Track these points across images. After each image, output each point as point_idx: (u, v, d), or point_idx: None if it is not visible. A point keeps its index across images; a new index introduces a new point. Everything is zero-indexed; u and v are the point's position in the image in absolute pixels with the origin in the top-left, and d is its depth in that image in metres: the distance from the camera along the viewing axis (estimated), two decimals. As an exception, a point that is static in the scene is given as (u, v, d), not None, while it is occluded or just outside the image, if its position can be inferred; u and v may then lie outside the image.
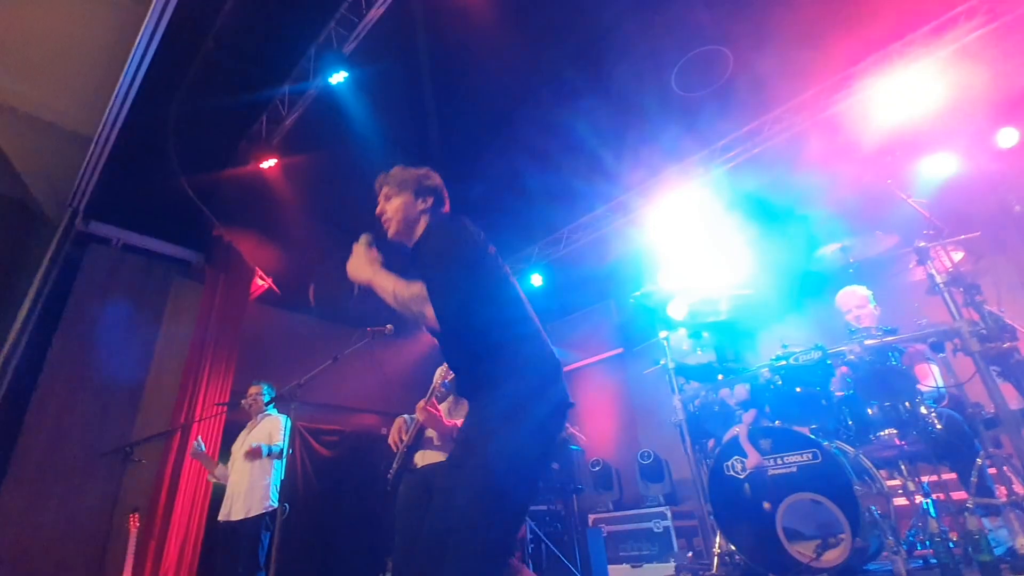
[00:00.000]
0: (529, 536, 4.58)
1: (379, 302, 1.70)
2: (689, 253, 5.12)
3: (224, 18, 4.23)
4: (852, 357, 2.90)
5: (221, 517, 3.72)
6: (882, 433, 2.81)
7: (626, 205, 6.20)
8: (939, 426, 2.76)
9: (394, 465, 3.01)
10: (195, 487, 4.65)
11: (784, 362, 3.01)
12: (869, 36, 4.53)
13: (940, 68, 4.50)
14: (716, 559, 3.05)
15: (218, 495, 4.01)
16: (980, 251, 2.99)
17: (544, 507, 4.99)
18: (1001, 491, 2.71)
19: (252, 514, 3.61)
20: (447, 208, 1.89)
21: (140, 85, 4.27)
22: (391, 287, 1.64)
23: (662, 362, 3.53)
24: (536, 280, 7.00)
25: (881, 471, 2.91)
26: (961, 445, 2.80)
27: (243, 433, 4.06)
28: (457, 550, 1.32)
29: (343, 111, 4.88)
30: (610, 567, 4.77)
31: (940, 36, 4.47)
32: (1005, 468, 2.69)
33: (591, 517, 5.16)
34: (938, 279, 2.69)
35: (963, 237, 2.81)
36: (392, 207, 1.81)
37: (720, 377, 3.35)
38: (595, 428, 6.83)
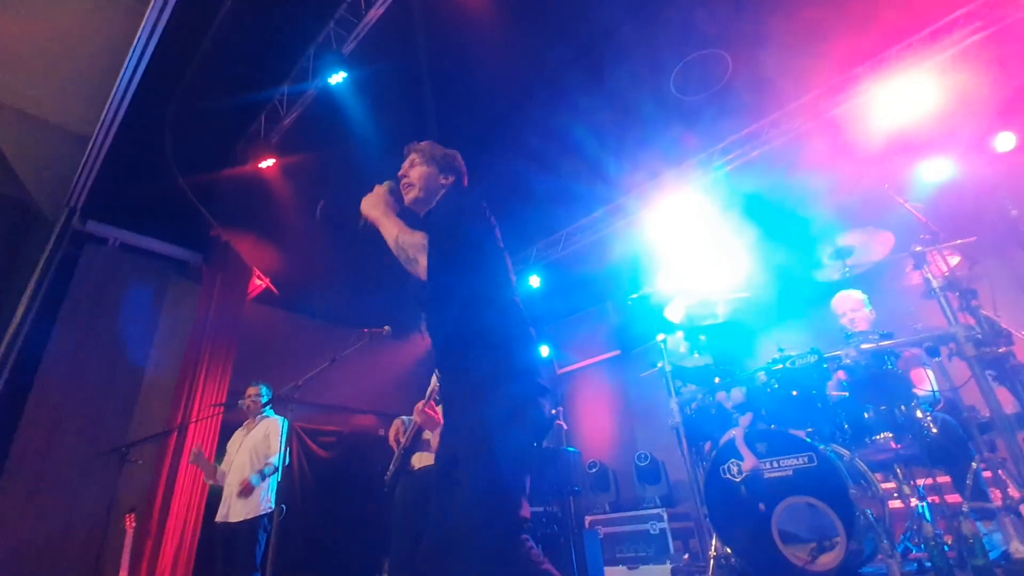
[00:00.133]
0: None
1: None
2: (687, 256, 5.13)
3: (223, 18, 4.22)
4: (848, 361, 2.91)
5: (219, 518, 3.72)
6: (878, 437, 2.82)
7: (625, 207, 6.21)
8: (934, 430, 2.77)
9: (391, 467, 3.01)
10: (191, 487, 4.65)
11: (780, 366, 3.02)
12: (866, 40, 4.54)
13: (938, 72, 4.51)
14: (712, 562, 3.05)
15: (214, 495, 4.01)
16: (976, 256, 2.99)
17: (541, 508, 5.00)
18: (996, 495, 2.72)
19: (250, 516, 3.61)
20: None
21: (138, 84, 4.27)
22: (395, 230, 1.70)
23: (659, 365, 3.53)
24: (534, 281, 7.01)
25: (876, 474, 2.91)
26: (956, 449, 2.81)
27: (239, 432, 4.06)
28: (465, 549, 1.33)
29: (342, 111, 4.87)
30: (606, 569, 4.78)
31: (937, 41, 4.48)
32: (1000, 472, 2.70)
33: (588, 519, 5.17)
34: (934, 284, 2.70)
35: (959, 242, 2.82)
36: (416, 173, 1.86)
37: (717, 380, 3.36)
38: (592, 430, 6.85)
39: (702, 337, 3.66)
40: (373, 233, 1.79)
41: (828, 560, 2.53)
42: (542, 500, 5.08)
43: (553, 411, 1.65)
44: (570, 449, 5.62)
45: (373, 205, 1.80)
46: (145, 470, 4.51)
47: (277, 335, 6.35)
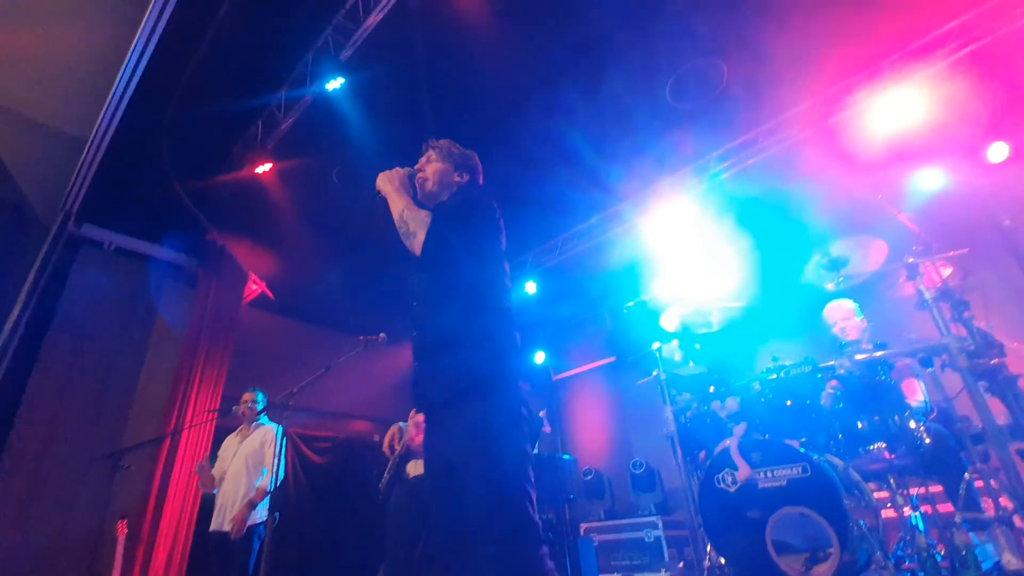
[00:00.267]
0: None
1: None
2: (683, 264, 5.15)
3: (220, 23, 4.23)
4: (842, 371, 2.93)
5: (213, 527, 3.66)
6: (872, 447, 2.84)
7: (621, 214, 6.23)
8: (928, 440, 2.78)
9: (385, 474, 3.00)
10: (184, 494, 4.62)
11: (775, 375, 3.03)
12: (861, 51, 4.58)
13: (931, 83, 4.55)
14: (706, 572, 3.05)
15: (207, 502, 3.98)
16: (969, 267, 3.02)
17: (536, 515, 4.98)
18: (988, 505, 2.73)
19: (247, 524, 3.57)
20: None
21: (135, 89, 4.26)
22: (401, 204, 1.74)
23: (655, 373, 3.54)
24: (530, 287, 7.02)
25: (870, 483, 2.93)
26: (949, 459, 2.82)
27: (233, 438, 4.01)
28: (478, 556, 1.33)
29: (339, 116, 4.88)
30: (601, 576, 4.78)
31: (931, 52, 4.52)
32: (992, 482, 2.71)
33: (583, 526, 5.17)
34: (927, 295, 2.72)
35: (952, 253, 2.84)
36: (431, 168, 1.91)
37: (712, 389, 3.37)
38: (588, 436, 6.85)
39: (697, 346, 3.67)
40: (383, 206, 1.83)
41: (822, 570, 2.54)
42: (538, 507, 5.07)
43: (540, 413, 1.67)
44: (565, 456, 5.61)
45: (388, 180, 1.84)
46: (138, 476, 4.48)
47: (272, 340, 6.34)
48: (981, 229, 4.26)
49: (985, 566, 2.43)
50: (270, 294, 6.26)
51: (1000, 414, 2.73)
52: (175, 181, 5.05)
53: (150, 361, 5.22)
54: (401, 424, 3.09)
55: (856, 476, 2.79)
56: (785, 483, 2.72)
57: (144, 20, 3.96)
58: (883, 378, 2.89)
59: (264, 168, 5.24)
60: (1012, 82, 4.49)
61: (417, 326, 1.72)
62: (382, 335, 3.33)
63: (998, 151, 4.58)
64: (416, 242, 1.66)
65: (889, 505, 2.95)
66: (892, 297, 3.23)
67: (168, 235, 5.62)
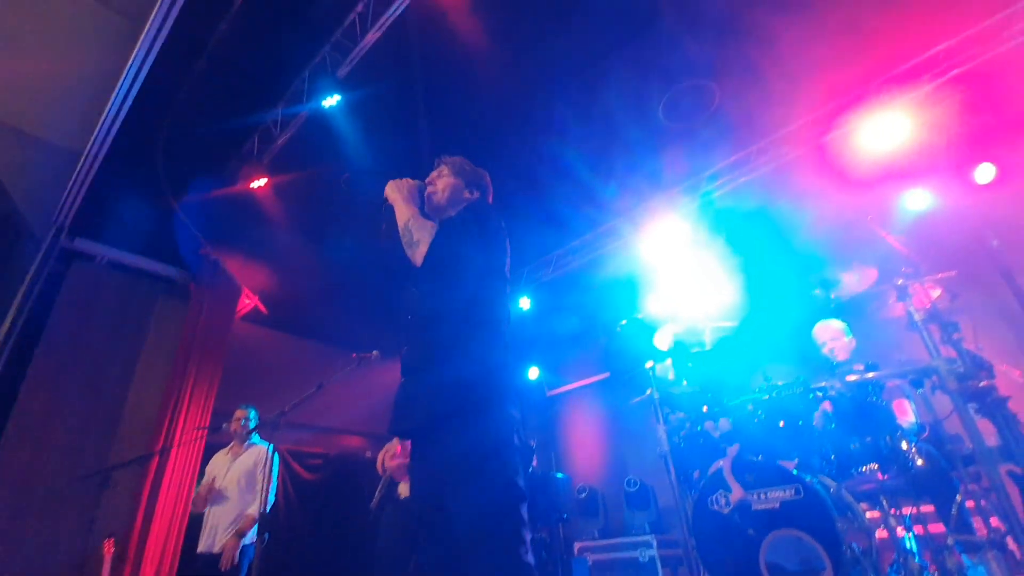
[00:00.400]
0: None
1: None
2: (676, 281, 5.18)
3: (219, 40, 4.26)
4: (833, 392, 2.94)
5: (202, 548, 3.57)
6: (864, 468, 2.84)
7: (614, 231, 6.27)
8: (920, 462, 2.79)
9: (377, 494, 2.97)
10: (171, 513, 4.54)
11: (767, 396, 3.04)
12: (849, 75, 4.67)
13: (919, 105, 4.64)
14: (700, 594, 3.03)
15: (195, 522, 3.91)
16: (957, 289, 3.05)
17: (529, 535, 4.94)
18: (980, 526, 2.74)
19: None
20: None
21: (132, 104, 4.28)
22: (409, 214, 1.74)
23: (648, 392, 3.54)
24: (524, 303, 7.03)
25: (862, 503, 2.93)
26: (940, 481, 2.83)
27: (223, 456, 3.92)
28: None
29: (336, 132, 4.91)
30: (595, 597, 4.73)
31: (918, 76, 4.62)
32: (983, 503, 2.72)
33: (577, 545, 5.12)
34: (916, 316, 2.75)
35: (940, 276, 2.87)
36: (442, 183, 1.90)
37: (705, 408, 3.37)
38: (582, 453, 6.81)
39: (690, 364, 3.68)
40: (389, 215, 1.82)
41: (815, 594, 2.53)
42: (531, 527, 5.02)
43: (531, 442, 1.65)
44: (559, 475, 5.57)
45: (397, 189, 1.84)
46: (126, 494, 4.42)
47: (264, 355, 6.29)
48: (970, 249, 4.31)
49: (977, 589, 2.43)
50: (263, 308, 6.24)
51: (990, 435, 2.75)
52: (170, 196, 5.05)
53: (140, 376, 5.16)
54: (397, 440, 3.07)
55: (849, 498, 2.79)
56: (778, 505, 2.71)
57: (142, 36, 3.99)
58: (874, 399, 2.91)
59: (259, 182, 5.26)
60: (997, 105, 4.58)
61: (408, 340, 1.66)
62: (375, 352, 3.31)
63: (985, 172, 4.66)
64: (418, 252, 1.64)
65: (881, 526, 2.96)
66: (882, 318, 3.26)
67: (161, 249, 5.60)
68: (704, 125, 5.08)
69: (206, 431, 4.54)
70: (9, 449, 4.18)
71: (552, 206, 5.74)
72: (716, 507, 2.91)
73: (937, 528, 2.99)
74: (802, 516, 2.63)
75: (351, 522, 5.72)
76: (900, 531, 2.92)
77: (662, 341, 3.90)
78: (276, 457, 3.25)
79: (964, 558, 2.58)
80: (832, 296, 3.29)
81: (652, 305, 4.94)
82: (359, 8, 4.21)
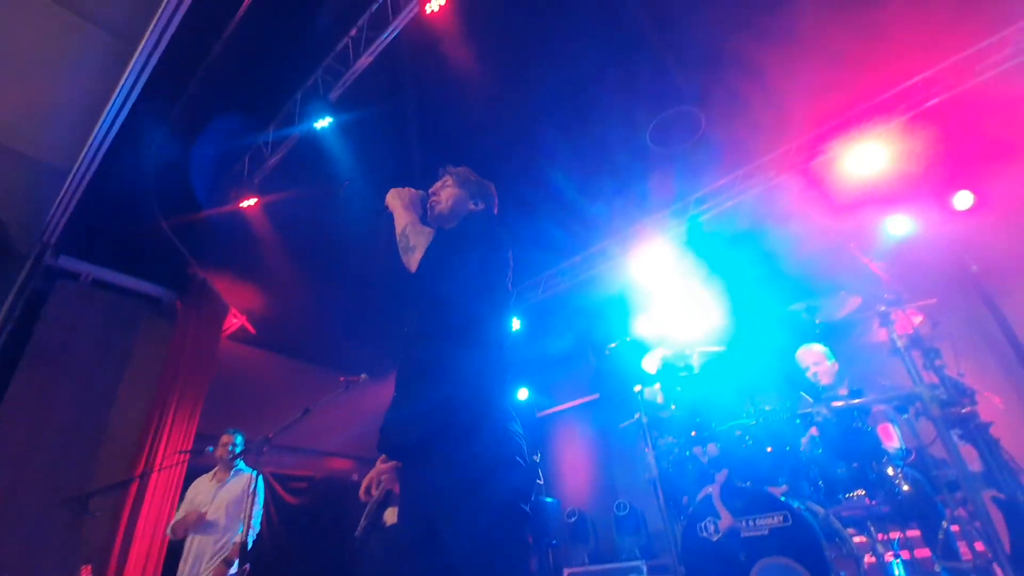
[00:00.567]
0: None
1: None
2: (665, 304, 5.22)
3: (211, 63, 4.30)
4: (820, 418, 2.96)
5: None
6: (851, 494, 2.85)
7: (604, 253, 6.33)
8: (905, 487, 2.81)
9: (362, 521, 2.92)
10: (151, 540, 4.42)
11: (754, 421, 3.05)
12: (831, 103, 4.80)
13: (897, 134, 4.77)
14: (690, 622, 3.00)
15: (173, 548, 3.80)
16: (938, 315, 3.11)
17: None
18: (965, 550, 2.75)
19: None
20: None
21: (122, 125, 4.28)
22: (406, 221, 1.69)
23: (636, 416, 3.54)
24: (515, 324, 7.03)
25: (849, 528, 2.93)
26: (927, 506, 2.85)
27: (207, 481, 3.82)
28: None
29: (327, 154, 4.94)
30: (584, 624, 4.65)
31: (896, 105, 4.76)
32: (969, 528, 2.74)
33: (566, 571, 5.04)
34: (899, 343, 2.79)
35: (921, 304, 2.93)
36: (446, 194, 1.85)
37: (693, 433, 3.37)
38: (571, 475, 6.75)
39: (679, 388, 3.69)
40: (389, 222, 1.78)
41: (804, 623, 2.51)
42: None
43: (535, 457, 1.57)
44: (548, 500, 5.52)
45: (398, 196, 1.79)
46: (104, 520, 4.29)
47: (250, 375, 6.20)
48: (950, 274, 4.41)
49: (965, 617, 2.43)
50: (251, 328, 6.18)
51: (974, 461, 2.78)
52: (159, 215, 5.03)
53: (123, 397, 5.07)
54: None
55: (837, 524, 2.79)
56: (767, 532, 2.71)
57: (135, 56, 4.01)
58: (860, 424, 2.93)
59: (249, 203, 5.25)
60: (972, 135, 4.72)
61: (402, 353, 1.56)
62: (363, 376, 3.28)
63: (963, 199, 4.78)
64: (413, 258, 1.59)
65: (869, 552, 2.96)
66: (866, 343, 3.30)
67: (147, 268, 5.55)
68: (691, 150, 5.18)
69: (188, 455, 4.43)
70: (-12, 472, 4.07)
71: (542, 228, 5.79)
72: (705, 534, 2.90)
73: (923, 553, 2.99)
74: (791, 543, 2.63)
75: (336, 549, 5.57)
76: (888, 556, 2.93)
77: (650, 364, 3.91)
78: (262, 485, 3.19)
79: (951, 585, 2.58)
80: (817, 320, 3.33)
81: (641, 327, 4.96)
82: (352, 32, 4.27)
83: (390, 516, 2.89)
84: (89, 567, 3.66)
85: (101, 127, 4.33)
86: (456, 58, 4.39)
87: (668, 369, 3.74)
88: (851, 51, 4.15)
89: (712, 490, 2.97)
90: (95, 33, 4.08)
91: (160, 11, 3.71)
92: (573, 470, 6.83)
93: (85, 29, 4.02)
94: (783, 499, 2.75)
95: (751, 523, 2.76)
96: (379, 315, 6.66)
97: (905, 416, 3.00)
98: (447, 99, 4.73)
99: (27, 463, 4.26)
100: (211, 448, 3.87)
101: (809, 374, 3.39)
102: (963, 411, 2.61)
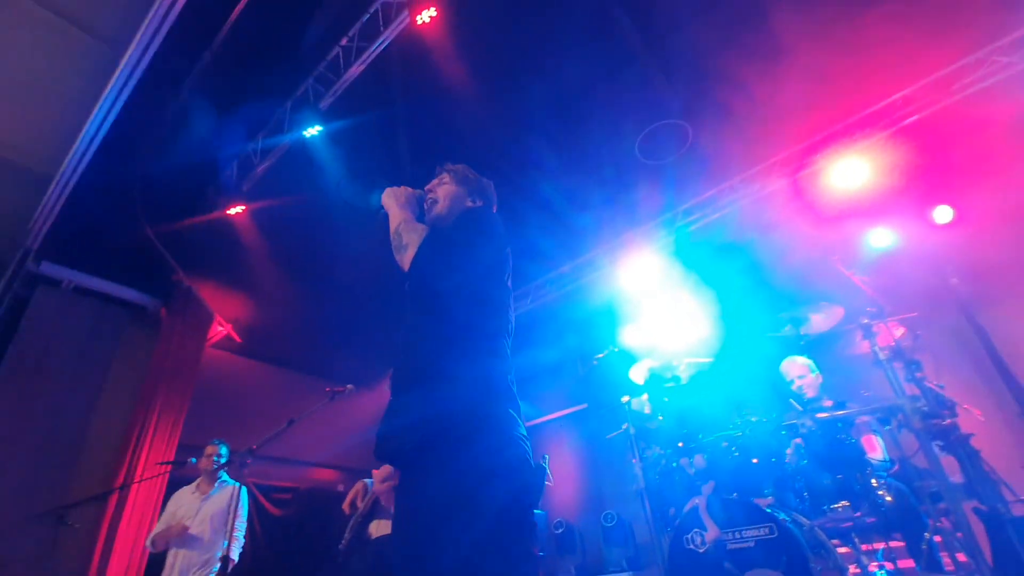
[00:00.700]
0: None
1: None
2: (653, 314, 5.25)
3: (201, 71, 4.28)
4: (804, 430, 2.99)
5: None
6: (836, 505, 2.87)
7: (592, 264, 6.37)
8: (889, 499, 2.84)
9: (346, 534, 2.88)
10: (130, 554, 4.32)
11: (740, 433, 3.07)
12: (815, 118, 4.90)
13: (880, 149, 4.88)
14: (676, 635, 2.99)
15: (154, 564, 3.71)
16: (919, 327, 3.16)
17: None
18: (948, 560, 2.78)
19: None
20: None
21: (107, 131, 4.24)
22: (401, 217, 1.64)
23: (624, 426, 3.55)
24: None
25: (834, 539, 2.95)
26: (910, 517, 2.88)
27: (189, 493, 3.74)
28: None
29: (316, 162, 4.93)
30: (571, 637, 4.61)
31: (878, 121, 4.86)
32: (951, 539, 2.77)
33: (553, 583, 5.02)
34: (881, 355, 2.83)
35: (903, 317, 2.98)
36: (443, 191, 1.79)
37: (680, 444, 3.39)
38: (559, 486, 6.72)
39: (666, 399, 3.71)
40: (384, 222, 1.72)
41: (790, 635, 2.51)
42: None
43: (543, 461, 1.51)
44: (535, 511, 5.49)
45: (393, 195, 1.74)
46: (83, 532, 4.19)
47: (234, 384, 6.11)
48: (931, 287, 4.49)
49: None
50: (236, 337, 6.11)
51: (955, 472, 2.82)
52: (144, 222, 4.97)
53: (104, 406, 4.97)
54: (367, 480, 2.98)
55: (822, 536, 2.81)
56: (753, 544, 2.72)
57: (122, 63, 3.98)
58: (844, 436, 2.97)
59: (237, 210, 5.21)
60: (951, 151, 4.84)
61: (399, 355, 1.50)
62: (349, 386, 3.26)
63: (943, 214, 4.88)
64: (406, 256, 1.54)
65: (854, 563, 2.98)
66: (849, 355, 3.34)
67: (132, 275, 5.47)
68: (679, 162, 5.25)
69: (170, 467, 4.34)
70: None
71: (531, 238, 5.81)
72: (692, 546, 2.90)
73: (907, 564, 3.02)
74: (777, 555, 2.64)
75: (320, 562, 5.47)
76: (872, 567, 2.95)
77: (638, 375, 3.93)
78: (245, 497, 3.14)
79: (934, 596, 2.60)
80: (801, 332, 3.37)
81: (629, 337, 4.99)
82: (343, 42, 4.28)
83: (375, 529, 2.85)
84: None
85: (87, 133, 4.28)
86: (446, 69, 4.41)
87: (655, 380, 3.75)
88: (833, 68, 4.24)
89: (699, 501, 2.97)
90: (83, 39, 4.05)
91: (149, 18, 3.69)
92: (561, 480, 6.81)
93: (73, 34, 3.99)
94: (769, 510, 2.76)
95: (737, 535, 2.77)
96: (366, 325, 6.63)
97: (888, 428, 3.03)
98: (437, 109, 4.75)
99: (3, 473, 4.15)
100: (194, 459, 3.78)
101: (794, 387, 3.42)
102: (944, 423, 2.65)
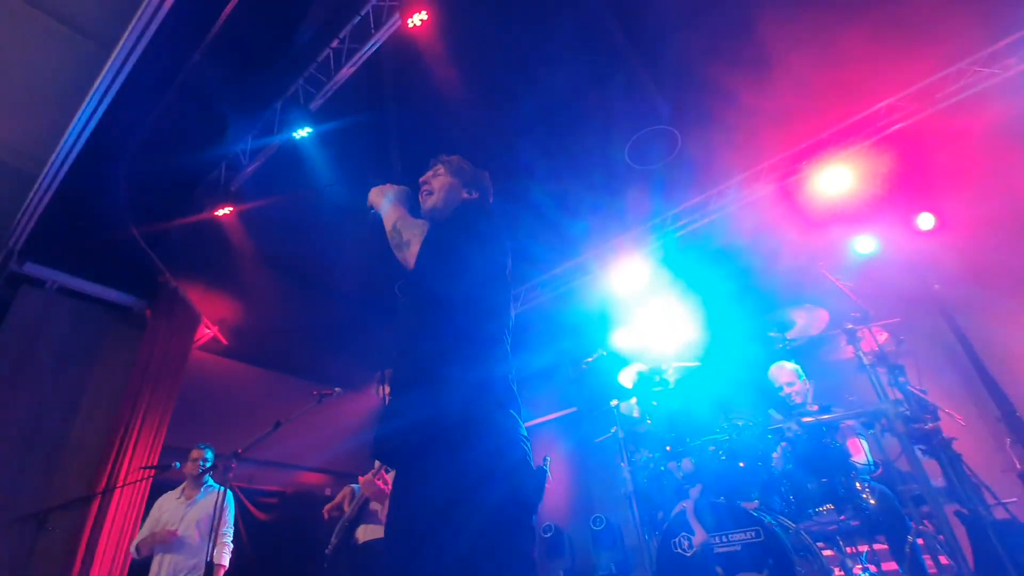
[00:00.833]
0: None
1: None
2: (642, 318, 5.28)
3: (190, 70, 4.25)
4: (790, 434, 3.02)
5: None
6: (821, 508, 2.91)
7: (582, 267, 6.40)
8: (873, 502, 2.87)
9: (333, 539, 2.86)
10: (112, 560, 4.24)
11: (727, 436, 3.09)
12: (801, 126, 4.97)
13: (864, 157, 4.96)
14: (664, 638, 3.00)
15: (136, 570, 3.64)
16: (902, 332, 3.21)
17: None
18: (931, 563, 2.82)
19: None
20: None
21: (95, 129, 4.19)
22: (397, 215, 1.61)
23: (613, 430, 3.56)
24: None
25: (819, 542, 2.98)
26: (893, 520, 2.91)
27: (174, 499, 3.68)
28: None
29: (306, 162, 4.91)
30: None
31: (862, 129, 4.95)
32: (934, 541, 2.81)
33: (541, 587, 5.01)
34: (865, 360, 2.87)
35: (886, 322, 3.02)
36: (438, 182, 1.75)
37: (668, 448, 3.40)
38: (548, 490, 6.70)
39: (654, 403, 3.72)
40: (376, 222, 1.68)
41: (776, 637, 2.53)
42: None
43: (544, 463, 1.49)
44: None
45: (381, 193, 1.71)
46: (63, 539, 4.11)
47: (220, 386, 6.02)
48: (914, 292, 4.56)
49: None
50: (223, 339, 6.03)
51: (937, 476, 2.86)
52: (130, 222, 4.91)
53: (86, 409, 4.89)
54: (354, 486, 2.97)
55: (808, 539, 2.83)
56: (740, 548, 2.74)
57: (109, 61, 3.94)
58: (829, 440, 3.00)
59: (225, 211, 5.17)
60: (933, 160, 4.94)
61: (396, 357, 1.46)
62: (337, 389, 3.24)
63: (926, 220, 4.97)
64: (410, 253, 1.49)
65: (838, 567, 3.01)
66: (834, 359, 3.39)
67: (117, 276, 5.39)
68: (668, 168, 5.30)
69: (154, 471, 4.27)
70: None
71: (521, 242, 5.83)
72: (680, 549, 2.91)
73: (891, 566, 3.06)
74: (763, 559, 2.66)
75: (308, 569, 5.38)
76: (857, 569, 2.98)
77: (627, 379, 3.94)
78: (231, 500, 3.10)
79: (917, 598, 2.64)
80: (787, 337, 3.41)
81: (619, 341, 5.01)
82: (334, 44, 4.27)
83: (362, 534, 2.83)
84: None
85: (72, 131, 4.23)
86: (437, 72, 4.43)
87: (644, 384, 3.77)
88: (818, 78, 4.32)
89: (686, 505, 2.99)
90: (70, 36, 4.00)
91: (138, 16, 3.65)
92: (550, 484, 6.80)
93: (60, 32, 3.94)
94: (755, 514, 2.78)
95: (724, 538, 2.79)
96: (355, 327, 6.59)
97: (872, 432, 3.07)
98: (427, 112, 4.75)
99: (-19, 479, 4.07)
100: (178, 463, 3.73)
101: (783, 393, 3.45)
102: (926, 427, 2.69)
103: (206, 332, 5.96)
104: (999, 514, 3.10)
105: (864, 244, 5.06)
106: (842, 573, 2.99)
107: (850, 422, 3.13)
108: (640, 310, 5.37)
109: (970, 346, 4.40)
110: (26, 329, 4.78)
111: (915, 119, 4.75)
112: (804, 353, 3.59)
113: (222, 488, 3.36)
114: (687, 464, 3.21)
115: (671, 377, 3.70)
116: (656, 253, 5.75)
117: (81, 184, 4.51)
